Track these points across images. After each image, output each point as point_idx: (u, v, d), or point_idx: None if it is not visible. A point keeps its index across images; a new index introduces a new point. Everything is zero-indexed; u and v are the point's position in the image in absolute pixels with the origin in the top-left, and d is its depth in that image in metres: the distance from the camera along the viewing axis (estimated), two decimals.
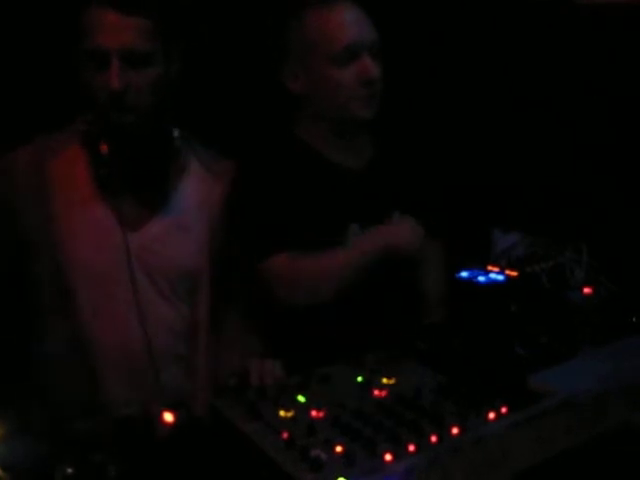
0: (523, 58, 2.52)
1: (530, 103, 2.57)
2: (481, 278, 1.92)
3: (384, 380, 1.24)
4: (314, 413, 1.14)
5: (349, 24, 1.65)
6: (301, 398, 1.19)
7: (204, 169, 1.68)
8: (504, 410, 1.11)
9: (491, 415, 1.10)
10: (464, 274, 1.78)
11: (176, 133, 1.63)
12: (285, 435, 1.07)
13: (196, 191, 1.66)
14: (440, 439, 1.05)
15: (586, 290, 1.60)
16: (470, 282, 1.82)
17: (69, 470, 1.06)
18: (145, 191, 1.58)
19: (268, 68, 1.74)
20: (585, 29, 2.39)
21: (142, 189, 1.58)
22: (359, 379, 1.25)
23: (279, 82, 1.71)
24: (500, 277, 1.89)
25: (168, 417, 1.14)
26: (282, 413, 1.14)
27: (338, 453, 1.02)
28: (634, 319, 1.48)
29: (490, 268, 1.90)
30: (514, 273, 1.83)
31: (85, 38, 1.46)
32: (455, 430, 1.07)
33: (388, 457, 1.01)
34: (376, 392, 1.20)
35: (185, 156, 1.65)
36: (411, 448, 1.02)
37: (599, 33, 2.37)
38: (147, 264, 1.58)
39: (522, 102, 2.56)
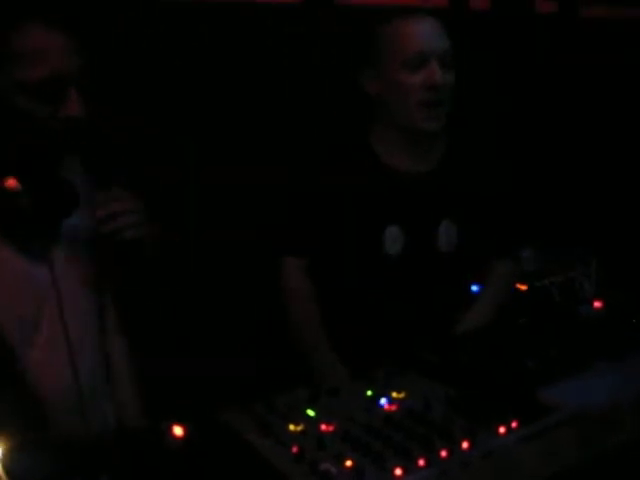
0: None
1: (541, 115, 2.58)
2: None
3: (394, 394, 1.23)
4: (324, 427, 1.13)
5: (422, 32, 1.78)
6: (311, 412, 1.19)
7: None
8: (514, 424, 1.11)
9: (501, 429, 1.10)
10: (475, 287, 1.78)
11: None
12: (295, 449, 1.07)
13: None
14: (450, 453, 1.04)
15: (596, 304, 1.59)
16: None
17: None
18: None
19: (350, 75, 1.88)
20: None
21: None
22: (369, 393, 1.25)
23: (359, 88, 1.84)
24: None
25: (177, 431, 1.14)
26: (292, 427, 1.14)
27: (348, 467, 1.02)
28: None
29: None
30: (524, 287, 1.82)
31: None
32: (465, 444, 1.06)
33: (398, 472, 1.00)
34: (386, 406, 1.20)
35: None
36: (421, 462, 1.02)
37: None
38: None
39: (533, 113, 2.57)
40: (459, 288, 1.85)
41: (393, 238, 1.76)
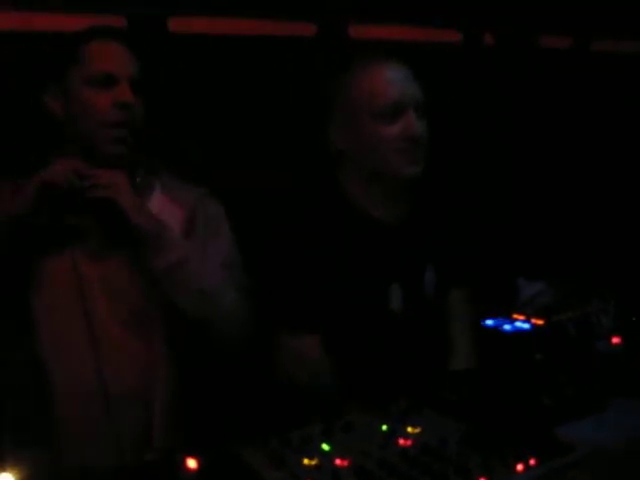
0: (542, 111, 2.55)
1: (557, 152, 2.59)
2: (506, 326, 1.91)
3: (409, 429, 1.22)
4: (338, 462, 1.12)
5: (395, 81, 1.68)
6: (325, 446, 1.18)
7: (168, 197, 1.64)
8: (532, 462, 1.10)
9: (519, 467, 1.09)
10: (489, 322, 1.76)
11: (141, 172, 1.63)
12: None
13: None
14: None
15: (614, 340, 1.58)
16: (495, 330, 1.81)
17: None
18: (106, 221, 1.55)
19: (314, 124, 1.79)
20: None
21: (103, 219, 1.55)
22: (384, 428, 1.24)
23: (324, 138, 1.74)
24: (526, 325, 1.87)
25: (191, 463, 1.13)
26: (306, 461, 1.13)
27: None
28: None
29: (515, 316, 1.89)
30: (540, 322, 1.81)
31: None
32: None
33: None
34: (401, 441, 1.19)
35: (147, 185, 1.63)
36: None
37: None
38: (108, 294, 1.55)
39: (548, 152, 2.58)
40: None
41: (395, 294, 1.72)
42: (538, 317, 1.81)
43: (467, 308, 1.89)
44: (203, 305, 1.53)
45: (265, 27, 2.15)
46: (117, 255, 1.57)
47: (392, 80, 1.68)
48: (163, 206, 1.62)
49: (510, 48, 2.52)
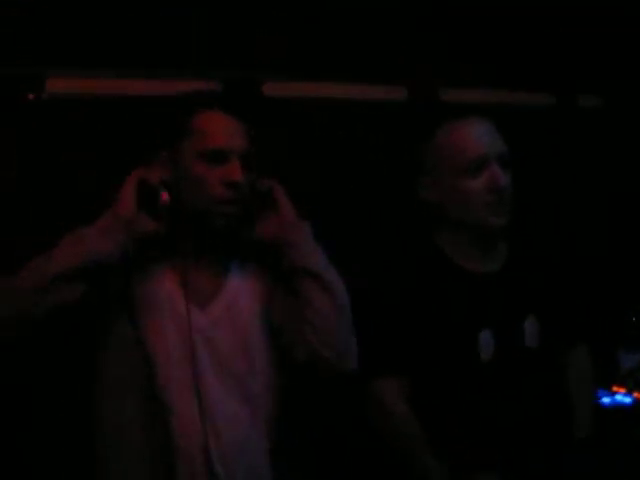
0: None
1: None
2: (606, 400, 1.83)
3: None
4: None
5: (479, 137, 1.75)
6: None
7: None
8: None
9: None
10: (606, 399, 1.68)
11: None
12: None
13: (245, 268, 1.64)
14: None
15: None
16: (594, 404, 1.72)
17: None
18: (211, 268, 1.57)
19: (405, 179, 1.87)
20: None
21: (210, 266, 1.57)
22: None
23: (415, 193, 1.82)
24: (627, 399, 1.79)
25: None
26: None
27: None
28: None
29: (616, 389, 1.81)
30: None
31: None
32: None
33: None
34: None
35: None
36: None
37: None
38: (212, 346, 1.53)
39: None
40: (549, 384, 1.77)
41: (486, 343, 1.71)
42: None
43: (588, 366, 1.82)
44: (341, 326, 1.52)
45: (356, 91, 2.19)
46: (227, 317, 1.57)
47: (475, 135, 1.76)
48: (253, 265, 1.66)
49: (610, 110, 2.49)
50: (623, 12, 2.41)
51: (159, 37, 1.95)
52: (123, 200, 1.47)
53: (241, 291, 1.60)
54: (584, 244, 2.39)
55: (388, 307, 1.72)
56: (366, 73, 2.16)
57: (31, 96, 1.82)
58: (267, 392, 1.56)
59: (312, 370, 1.54)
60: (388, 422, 1.69)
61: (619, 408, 1.68)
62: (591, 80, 2.46)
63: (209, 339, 1.53)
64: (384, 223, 2.17)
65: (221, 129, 1.54)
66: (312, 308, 1.50)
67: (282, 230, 1.55)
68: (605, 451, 1.61)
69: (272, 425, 1.56)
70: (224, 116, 1.55)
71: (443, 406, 1.69)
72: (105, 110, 1.90)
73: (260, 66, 2.08)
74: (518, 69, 2.37)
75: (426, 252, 1.81)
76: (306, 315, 1.50)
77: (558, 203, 2.43)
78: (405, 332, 1.68)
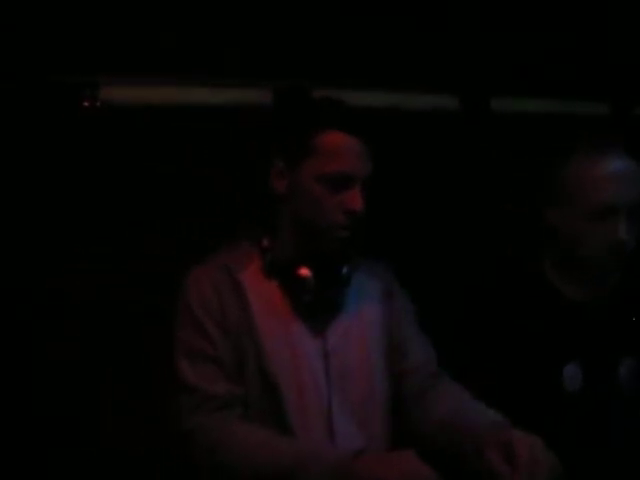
0: None
1: None
2: None
3: None
4: None
5: (613, 179, 1.58)
6: None
7: (366, 272, 1.61)
8: None
9: None
10: None
11: None
12: None
13: (362, 295, 1.59)
14: None
15: None
16: None
17: None
18: (337, 309, 1.52)
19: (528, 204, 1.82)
20: None
21: (336, 307, 1.52)
22: None
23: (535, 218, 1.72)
24: None
25: None
26: None
27: None
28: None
29: None
30: None
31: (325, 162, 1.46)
32: None
33: None
34: None
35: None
36: None
37: None
38: (344, 389, 1.49)
39: None
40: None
41: (573, 375, 1.61)
42: None
43: None
44: None
45: (403, 100, 2.16)
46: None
47: (610, 177, 1.58)
48: (367, 279, 1.60)
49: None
50: None
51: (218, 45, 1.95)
52: None
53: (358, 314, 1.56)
54: None
55: (482, 331, 1.64)
56: (418, 82, 2.13)
57: (86, 103, 1.83)
58: (384, 418, 1.53)
59: None
60: None
61: None
62: None
63: (330, 365, 1.49)
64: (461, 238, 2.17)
65: (347, 153, 1.45)
66: None
67: None
68: None
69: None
70: (350, 138, 1.46)
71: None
72: (162, 118, 1.90)
73: (310, 75, 2.06)
74: (570, 78, 2.32)
75: (531, 278, 1.70)
76: None
77: None
78: (494, 356, 1.60)
